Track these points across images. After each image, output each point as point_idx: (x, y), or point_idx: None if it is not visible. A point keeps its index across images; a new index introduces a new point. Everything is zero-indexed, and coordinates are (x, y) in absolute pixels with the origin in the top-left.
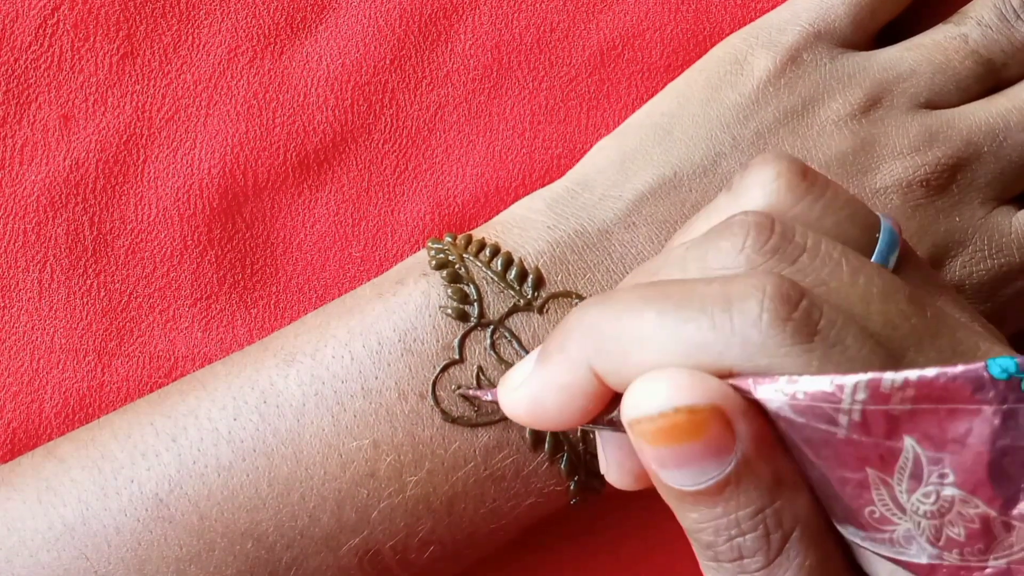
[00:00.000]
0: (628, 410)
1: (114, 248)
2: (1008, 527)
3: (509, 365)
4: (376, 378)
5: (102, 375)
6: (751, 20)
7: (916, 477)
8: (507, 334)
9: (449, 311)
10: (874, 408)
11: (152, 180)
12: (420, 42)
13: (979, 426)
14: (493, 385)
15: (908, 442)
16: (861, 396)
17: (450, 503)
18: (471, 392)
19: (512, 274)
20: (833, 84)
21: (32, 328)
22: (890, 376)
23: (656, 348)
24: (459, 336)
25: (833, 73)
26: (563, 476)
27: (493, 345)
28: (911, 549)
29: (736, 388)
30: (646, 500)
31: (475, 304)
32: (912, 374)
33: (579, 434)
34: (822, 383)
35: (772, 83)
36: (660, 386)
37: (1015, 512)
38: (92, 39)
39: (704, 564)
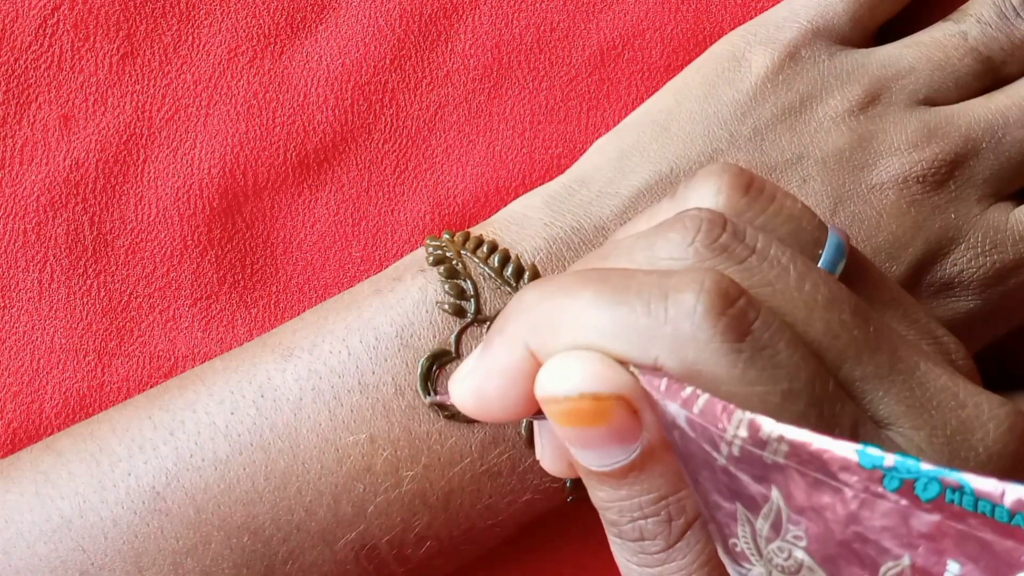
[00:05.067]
0: (538, 388)
1: (114, 248)
2: None
3: None
4: (373, 373)
5: (102, 375)
6: (751, 20)
7: (776, 528)
8: None
9: (446, 307)
10: (751, 449)
11: (152, 180)
12: (420, 42)
13: (839, 504)
14: None
15: (775, 492)
16: (743, 433)
17: (446, 499)
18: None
19: (509, 270)
20: (831, 81)
21: (32, 328)
22: (769, 425)
23: (586, 329)
24: (455, 332)
25: (831, 70)
26: None
27: None
28: None
29: (644, 383)
30: None
31: (472, 300)
32: (788, 431)
33: None
34: (716, 406)
35: (770, 80)
36: (570, 368)
37: None
38: (92, 39)
39: (610, 539)
